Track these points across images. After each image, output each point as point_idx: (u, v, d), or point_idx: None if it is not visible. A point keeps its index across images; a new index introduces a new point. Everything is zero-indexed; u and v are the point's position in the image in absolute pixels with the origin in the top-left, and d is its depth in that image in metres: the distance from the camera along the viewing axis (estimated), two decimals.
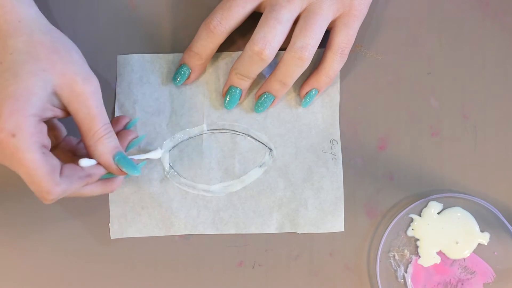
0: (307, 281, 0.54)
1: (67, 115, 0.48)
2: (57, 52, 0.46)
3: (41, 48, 0.46)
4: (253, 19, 0.52)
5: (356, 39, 0.53)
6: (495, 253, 0.54)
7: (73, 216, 0.54)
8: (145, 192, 0.55)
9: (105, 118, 0.48)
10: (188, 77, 0.54)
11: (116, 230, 0.55)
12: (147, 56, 0.56)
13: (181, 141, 0.55)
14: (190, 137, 0.55)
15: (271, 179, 0.55)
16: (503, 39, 0.56)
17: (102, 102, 0.47)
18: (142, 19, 0.56)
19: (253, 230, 0.55)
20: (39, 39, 0.47)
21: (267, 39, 0.50)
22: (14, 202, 0.55)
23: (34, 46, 0.46)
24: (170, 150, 0.55)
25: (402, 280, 0.54)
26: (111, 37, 0.56)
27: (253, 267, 0.55)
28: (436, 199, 0.55)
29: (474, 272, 0.54)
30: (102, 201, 0.55)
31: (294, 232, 0.55)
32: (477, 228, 0.54)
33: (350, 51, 0.53)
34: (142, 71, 0.56)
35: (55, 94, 0.46)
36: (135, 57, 0.56)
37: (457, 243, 0.54)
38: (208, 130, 0.55)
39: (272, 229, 0.55)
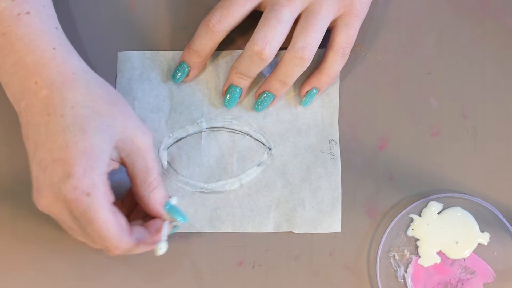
0: (307, 281, 0.54)
1: (119, 167, 0.48)
2: (116, 106, 0.47)
3: (101, 102, 0.46)
4: (253, 18, 0.52)
5: (356, 39, 0.53)
6: (495, 253, 0.54)
7: None
8: None
9: (157, 170, 0.49)
10: (187, 75, 0.54)
11: None
12: (148, 53, 0.55)
13: (180, 139, 0.55)
14: (189, 135, 0.55)
15: (269, 178, 0.55)
16: (503, 39, 0.56)
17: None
18: (142, 17, 0.56)
19: (249, 229, 0.54)
20: (97, 92, 0.47)
21: (267, 39, 0.50)
22: (12, 202, 0.54)
23: (94, 100, 0.46)
24: (168, 148, 0.55)
25: (402, 280, 0.54)
26: (112, 34, 0.56)
27: (253, 267, 0.54)
28: (436, 199, 0.55)
29: (474, 272, 0.54)
30: None
31: (294, 232, 0.54)
32: (477, 228, 0.54)
33: (350, 51, 0.53)
34: (142, 68, 0.55)
35: (116, 147, 0.47)
36: (136, 54, 0.55)
37: (457, 243, 0.54)
38: (207, 128, 0.55)
39: (269, 228, 0.54)
